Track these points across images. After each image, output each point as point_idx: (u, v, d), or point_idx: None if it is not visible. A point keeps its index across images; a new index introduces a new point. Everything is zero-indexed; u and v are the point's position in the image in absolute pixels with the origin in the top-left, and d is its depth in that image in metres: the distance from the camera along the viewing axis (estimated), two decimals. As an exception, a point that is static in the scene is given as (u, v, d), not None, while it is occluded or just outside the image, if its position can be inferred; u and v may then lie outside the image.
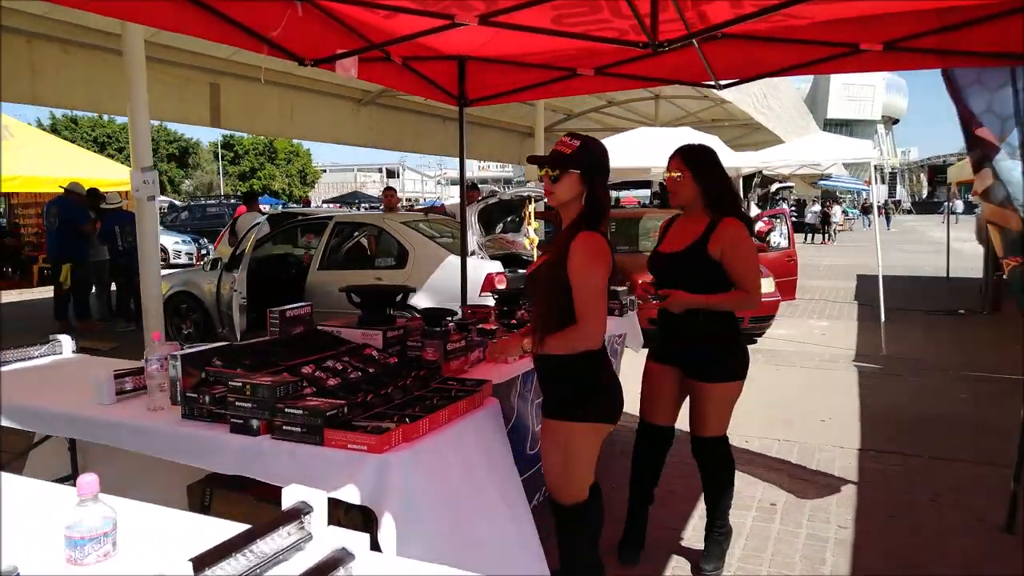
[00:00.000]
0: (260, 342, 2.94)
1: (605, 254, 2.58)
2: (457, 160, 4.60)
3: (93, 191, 9.72)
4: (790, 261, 10.20)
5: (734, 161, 9.75)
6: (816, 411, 5.93)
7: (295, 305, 3.17)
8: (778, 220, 11.59)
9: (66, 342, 3.69)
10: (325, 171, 71.73)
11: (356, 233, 7.53)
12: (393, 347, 3.24)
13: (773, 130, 13.07)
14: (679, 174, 3.26)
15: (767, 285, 8.67)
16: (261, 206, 36.27)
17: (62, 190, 9.85)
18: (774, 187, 21.55)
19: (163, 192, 47.82)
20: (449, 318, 3.29)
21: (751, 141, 15.80)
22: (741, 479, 4.45)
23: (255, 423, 2.40)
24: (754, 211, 16.98)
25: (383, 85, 4.46)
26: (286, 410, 2.34)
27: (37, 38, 8.73)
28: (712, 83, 4.24)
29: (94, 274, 9.62)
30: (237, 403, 2.42)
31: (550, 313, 2.59)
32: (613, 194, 35.89)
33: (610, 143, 9.75)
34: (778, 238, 11.38)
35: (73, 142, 44.44)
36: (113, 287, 10.26)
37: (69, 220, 9.38)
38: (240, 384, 2.43)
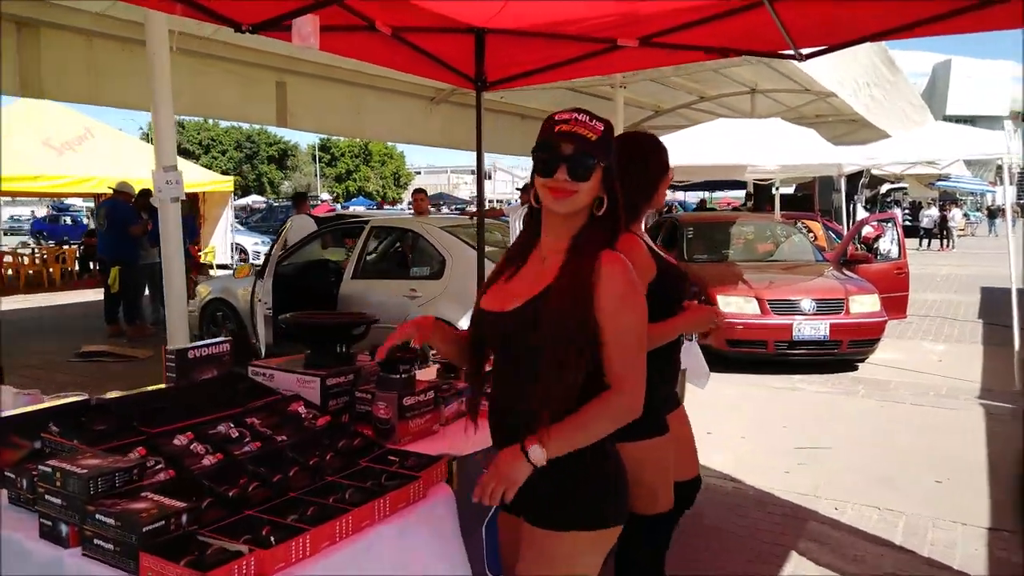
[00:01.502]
0: (140, 394, 2.20)
1: (639, 284, 1.78)
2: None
3: (144, 191, 9.42)
4: (900, 274, 8.85)
5: (834, 157, 8.49)
6: (930, 466, 4.77)
7: (208, 341, 2.41)
8: (888, 225, 10.22)
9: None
10: (419, 173, 72.39)
11: (392, 239, 6.82)
12: (338, 398, 2.45)
13: (876, 123, 11.61)
14: None
15: (871, 303, 7.44)
16: (353, 208, 36.52)
17: (111, 191, 9.62)
18: (884, 188, 19.72)
19: (262, 193, 49.18)
20: (415, 364, 2.46)
21: (859, 139, 14.31)
22: (823, 573, 3.43)
23: (64, 529, 1.65)
24: (860, 214, 15.42)
25: (364, 61, 3.69)
26: (97, 515, 1.58)
27: (97, 37, 8.50)
28: (791, 52, 3.25)
29: (145, 277, 9.32)
30: (47, 497, 1.68)
31: (566, 379, 1.66)
32: (703, 195, 34.15)
33: (686, 136, 8.67)
34: (888, 245, 10.02)
35: (180, 145, 46.53)
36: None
37: (119, 221, 9.10)
38: (50, 469, 1.68)
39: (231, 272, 11.66)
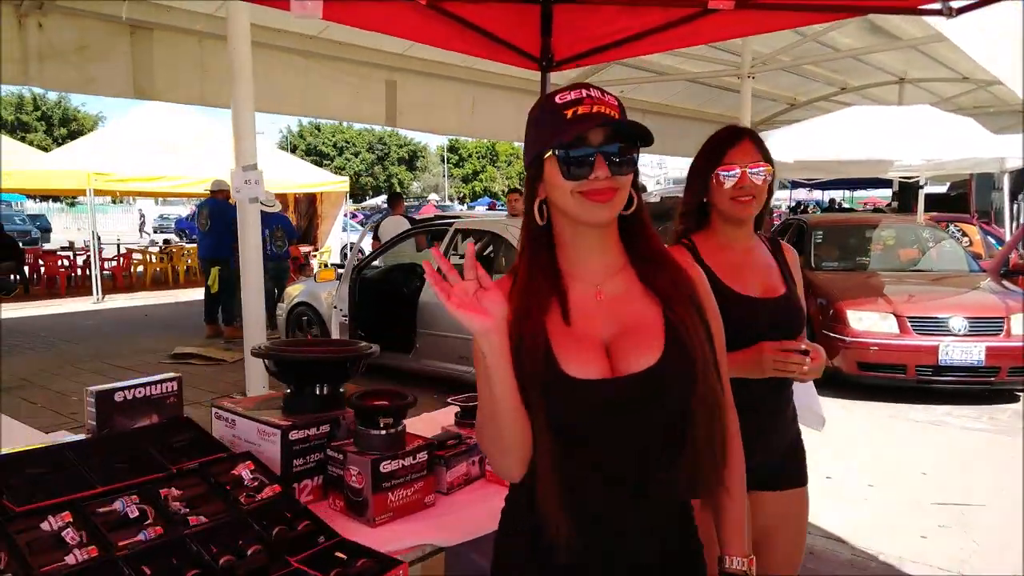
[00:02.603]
0: (31, 452, 1.74)
1: None
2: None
3: (244, 192, 9.41)
4: (1077, 288, 7.47)
5: (993, 150, 7.20)
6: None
7: (148, 379, 1.94)
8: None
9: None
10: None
11: (478, 242, 6.32)
12: (306, 456, 1.93)
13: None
14: (763, 169, 1.99)
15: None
16: (479, 208, 36.86)
17: (208, 192, 9.66)
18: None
19: (392, 194, 50.41)
20: (403, 414, 1.90)
21: (1027, 132, 12.58)
22: None
23: None
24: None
25: (396, 36, 3.17)
26: None
27: (208, 38, 8.59)
28: (938, 7, 2.45)
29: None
30: None
31: (717, 441, 1.32)
32: (843, 194, 31.59)
33: (812, 127, 7.60)
34: (1060, 254, 8.55)
35: (315, 147, 48.56)
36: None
37: (224, 220, 9.08)
38: None
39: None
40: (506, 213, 10.08)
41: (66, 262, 14.72)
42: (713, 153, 1.99)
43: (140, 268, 15.82)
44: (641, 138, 1.26)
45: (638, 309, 1.31)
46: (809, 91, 14.36)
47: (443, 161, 58.22)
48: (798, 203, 26.98)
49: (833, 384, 6.57)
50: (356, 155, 51.63)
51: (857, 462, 4.89)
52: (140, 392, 1.90)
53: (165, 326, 10.32)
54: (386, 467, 1.81)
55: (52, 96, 40.18)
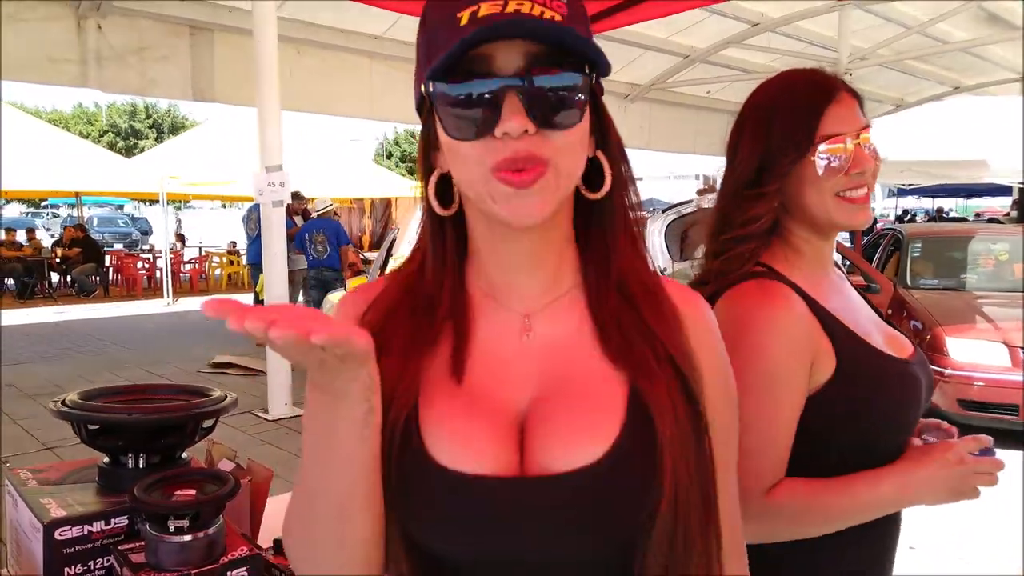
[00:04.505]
0: None
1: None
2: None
3: (293, 193, 9.15)
4: None
5: None
6: None
7: None
8: None
9: None
10: (640, 179, 71.17)
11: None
12: (88, 563, 1.39)
13: None
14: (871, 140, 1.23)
15: None
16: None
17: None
18: None
19: (496, 199, 50.44)
20: (221, 506, 1.33)
21: None
22: None
23: None
24: None
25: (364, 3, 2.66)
26: None
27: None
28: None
29: (290, 284, 9.04)
30: None
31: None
32: (954, 203, 29.01)
33: (900, 122, 6.65)
34: None
35: (410, 154, 49.28)
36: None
37: (275, 225, 8.88)
38: None
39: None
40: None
41: (145, 264, 15.06)
42: (802, 116, 1.20)
43: (218, 271, 16.06)
44: (589, 59, 0.70)
45: (586, 362, 0.77)
46: (918, 91, 13.19)
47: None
48: (905, 211, 25.01)
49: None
50: (437, 161, 51.97)
51: (949, 528, 4.03)
52: None
53: (221, 332, 10.17)
54: (168, 594, 1.25)
55: (163, 104, 42.27)
